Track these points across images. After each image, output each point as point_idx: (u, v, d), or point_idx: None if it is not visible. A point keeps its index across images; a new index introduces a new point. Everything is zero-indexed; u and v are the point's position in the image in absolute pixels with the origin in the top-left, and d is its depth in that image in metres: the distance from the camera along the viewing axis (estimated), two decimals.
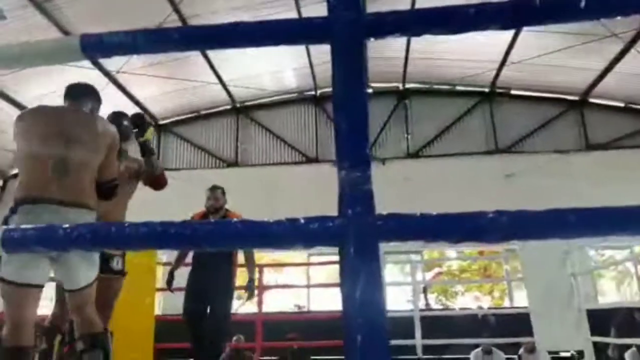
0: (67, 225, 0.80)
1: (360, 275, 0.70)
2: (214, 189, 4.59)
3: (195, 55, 9.48)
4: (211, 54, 9.61)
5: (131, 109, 11.18)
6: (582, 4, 0.82)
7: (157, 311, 9.05)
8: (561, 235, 0.74)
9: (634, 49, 8.87)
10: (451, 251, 10.46)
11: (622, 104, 10.88)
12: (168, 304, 9.01)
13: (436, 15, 0.88)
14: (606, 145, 10.63)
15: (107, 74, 9.39)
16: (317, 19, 0.90)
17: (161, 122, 12.01)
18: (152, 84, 10.32)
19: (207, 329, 4.19)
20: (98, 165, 2.47)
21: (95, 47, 0.92)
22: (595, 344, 5.01)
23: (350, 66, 0.85)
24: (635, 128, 10.68)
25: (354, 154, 0.80)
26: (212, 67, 10.12)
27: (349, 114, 0.83)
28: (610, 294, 10.84)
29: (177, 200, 10.14)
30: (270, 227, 0.75)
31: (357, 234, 0.72)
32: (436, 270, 11.86)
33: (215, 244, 0.78)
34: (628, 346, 6.41)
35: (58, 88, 10.33)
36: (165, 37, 0.90)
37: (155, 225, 0.75)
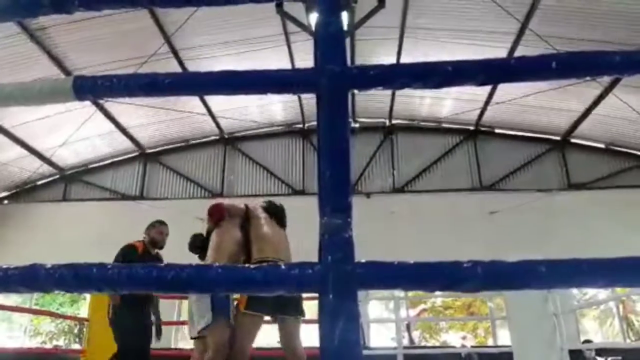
0: (49, 266, 0.81)
1: (338, 322, 0.72)
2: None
3: None
4: None
5: (118, 137, 11.22)
6: (553, 65, 0.87)
7: None
8: (534, 285, 0.76)
9: (612, 93, 9.16)
10: None
11: (602, 145, 11.15)
12: None
13: (416, 70, 0.93)
14: (587, 184, 10.84)
15: (95, 102, 9.40)
16: (304, 70, 0.94)
17: (148, 151, 12.00)
18: (140, 113, 10.36)
19: None
20: None
21: (88, 90, 0.94)
22: None
23: (334, 116, 0.88)
24: (615, 169, 10.93)
25: (336, 201, 0.82)
26: (201, 98, 10.21)
27: (333, 161, 0.85)
28: (592, 333, 10.85)
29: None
30: (250, 273, 0.77)
31: (336, 281, 0.74)
32: (421, 307, 11.79)
33: (197, 288, 0.79)
34: None
35: (45, 115, 10.26)
36: (157, 83, 0.93)
37: (137, 269, 0.76)
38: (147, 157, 12.03)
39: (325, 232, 0.79)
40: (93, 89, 0.95)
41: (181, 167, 11.95)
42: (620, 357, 7.02)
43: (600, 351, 7.25)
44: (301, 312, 3.24)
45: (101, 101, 9.48)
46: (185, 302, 4.93)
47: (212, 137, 12.05)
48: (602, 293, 9.92)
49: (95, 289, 0.79)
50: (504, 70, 0.88)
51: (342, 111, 0.88)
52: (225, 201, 3.74)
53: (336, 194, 0.82)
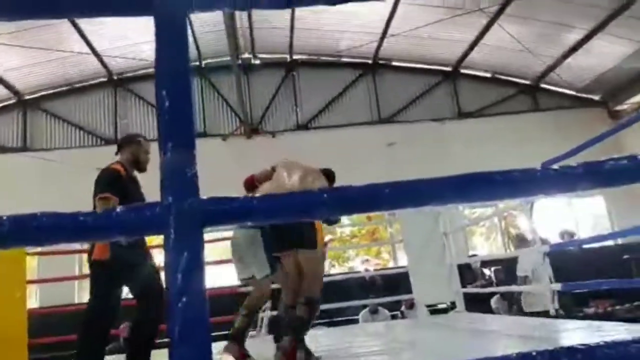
0: None
1: (182, 262, 0.68)
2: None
3: (60, 22, 8.59)
4: (80, 20, 8.75)
5: None
6: None
7: (35, 304, 8.37)
8: (379, 207, 0.78)
9: (497, 23, 9.64)
10: (343, 218, 10.84)
11: (489, 75, 11.85)
12: (46, 295, 8.37)
13: None
14: (475, 113, 11.57)
15: None
16: None
17: (27, 98, 10.84)
18: (13, 54, 9.23)
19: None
20: None
21: None
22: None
23: (172, 42, 0.81)
24: (500, 97, 11.72)
25: (177, 136, 0.76)
26: (82, 35, 9.28)
27: (172, 93, 0.79)
28: (480, 248, 12.03)
29: (51, 182, 9.32)
30: (82, 219, 0.70)
31: (178, 220, 0.70)
32: (329, 237, 12.25)
33: (22, 241, 0.72)
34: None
35: None
36: None
37: None
38: (26, 104, 10.88)
39: (165, 170, 0.74)
40: None
41: (68, 113, 10.97)
42: (500, 267, 7.91)
43: (484, 263, 8.09)
44: (307, 245, 3.49)
45: None
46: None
47: (100, 79, 11.12)
48: (489, 210, 10.92)
49: None
50: None
51: (181, 36, 0.80)
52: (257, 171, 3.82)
53: (176, 128, 0.76)
